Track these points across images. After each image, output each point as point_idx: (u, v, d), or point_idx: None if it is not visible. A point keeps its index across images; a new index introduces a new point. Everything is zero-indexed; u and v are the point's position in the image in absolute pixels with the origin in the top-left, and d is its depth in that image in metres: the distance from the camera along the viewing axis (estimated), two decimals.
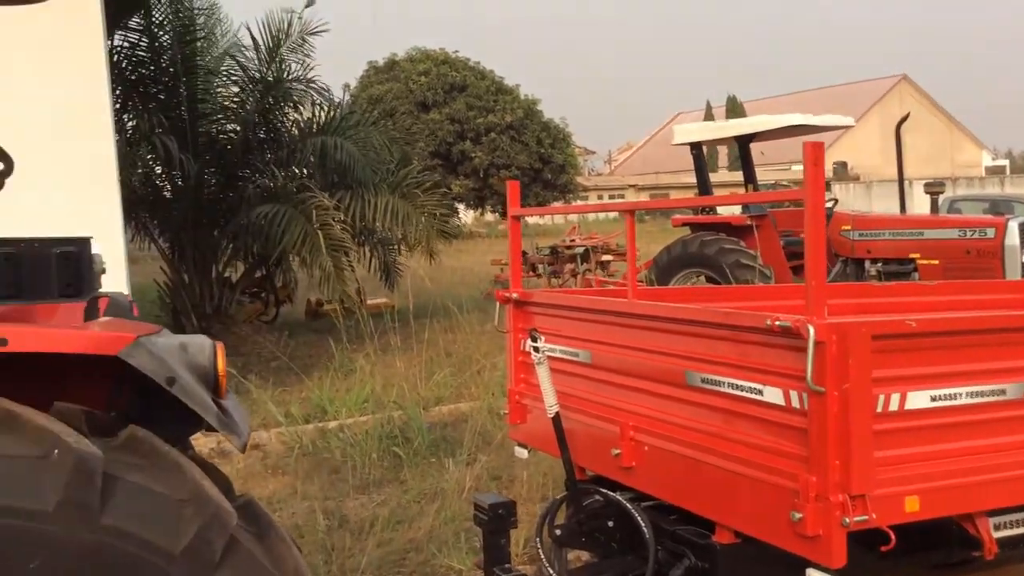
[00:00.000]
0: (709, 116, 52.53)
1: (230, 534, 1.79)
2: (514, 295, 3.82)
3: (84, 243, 2.09)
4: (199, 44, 12.14)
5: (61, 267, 2.04)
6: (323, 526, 5.03)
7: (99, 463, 1.66)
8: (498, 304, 3.91)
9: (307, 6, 12.28)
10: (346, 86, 32.85)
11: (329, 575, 4.48)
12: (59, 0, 2.60)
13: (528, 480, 5.30)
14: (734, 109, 55.63)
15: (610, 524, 3.23)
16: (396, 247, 13.59)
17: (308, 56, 12.36)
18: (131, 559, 1.69)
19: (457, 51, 37.67)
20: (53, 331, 1.82)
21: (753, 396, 2.64)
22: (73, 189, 6.21)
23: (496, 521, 3.44)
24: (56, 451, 1.65)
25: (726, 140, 12.31)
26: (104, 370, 1.97)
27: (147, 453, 1.80)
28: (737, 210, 10.21)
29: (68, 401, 1.85)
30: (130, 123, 11.77)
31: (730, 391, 2.73)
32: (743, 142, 10.86)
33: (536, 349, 3.14)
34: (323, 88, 12.57)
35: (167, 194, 12.41)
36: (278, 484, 6.01)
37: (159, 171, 12.27)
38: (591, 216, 33.77)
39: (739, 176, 11.82)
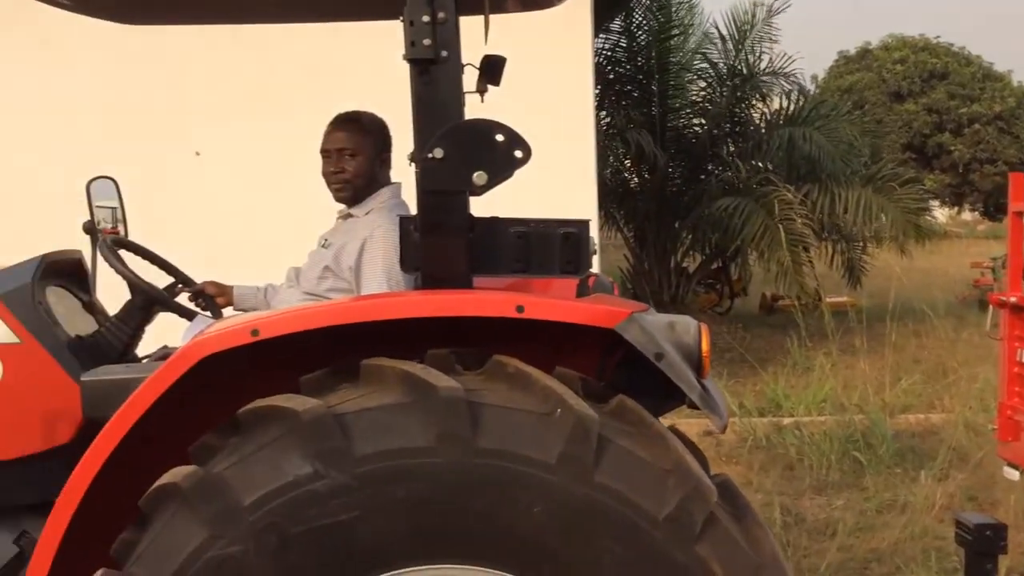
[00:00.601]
0: None
1: (710, 510, 1.83)
2: (1011, 299, 3.44)
3: (584, 225, 2.26)
4: (673, 41, 12.55)
5: (564, 246, 2.23)
6: (779, 521, 4.97)
7: (595, 424, 1.79)
8: (991, 309, 3.55)
9: None
10: (814, 77, 31.88)
11: None
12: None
13: (1015, 504, 4.76)
14: None
15: None
16: (862, 244, 12.94)
17: (774, 44, 12.21)
18: (619, 517, 1.79)
19: (939, 37, 34.78)
20: (561, 303, 1.99)
21: None
22: (556, 181, 6.76)
23: (982, 543, 3.13)
24: (559, 409, 1.80)
25: None
26: (595, 341, 2.12)
27: (635, 422, 1.90)
28: None
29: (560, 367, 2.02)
30: (605, 120, 12.53)
31: None
32: None
33: None
34: (793, 78, 12.34)
35: (634, 187, 13.05)
36: (731, 473, 6.02)
37: (627, 165, 12.94)
38: None
39: None
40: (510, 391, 1.87)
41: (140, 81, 7.03)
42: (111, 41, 5.77)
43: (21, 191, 6.73)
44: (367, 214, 3.01)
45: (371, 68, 6.41)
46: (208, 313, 2.98)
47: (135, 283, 2.68)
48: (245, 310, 3.05)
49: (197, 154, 7.21)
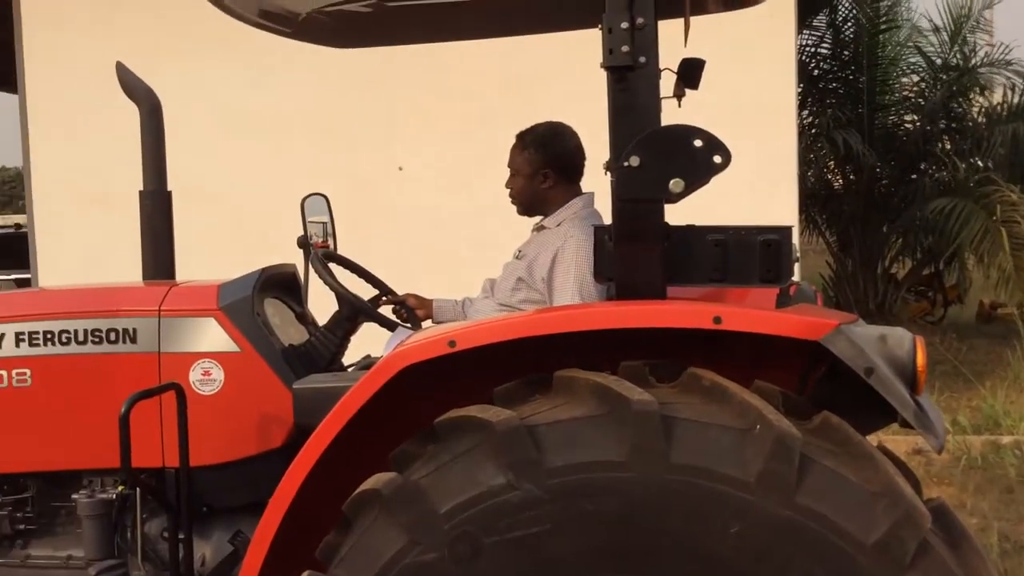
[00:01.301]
0: None
1: (923, 536, 1.70)
2: None
3: (786, 231, 2.17)
4: (882, 36, 11.92)
5: (764, 253, 2.14)
6: (997, 549, 4.59)
7: (797, 443, 1.71)
8: None
9: None
10: None
11: None
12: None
13: None
14: None
15: None
16: None
17: (991, 33, 11.34)
18: (821, 541, 1.70)
19: None
20: (761, 313, 1.92)
21: None
22: (755, 185, 6.56)
23: None
24: (759, 426, 1.73)
25: None
26: (795, 354, 2.03)
27: (840, 440, 1.80)
28: None
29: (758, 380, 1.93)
30: (807, 119, 12.05)
31: None
32: None
33: None
34: (1017, 67, 11.41)
35: (838, 188, 12.47)
36: (943, 495, 5.62)
37: (831, 166, 12.38)
38: None
39: None
40: (706, 405, 1.82)
41: (346, 100, 7.38)
42: (319, 62, 6.09)
43: (240, 207, 7.22)
44: (558, 225, 3.03)
45: (568, 77, 6.48)
46: (408, 325, 3.09)
47: (342, 295, 2.80)
48: (443, 322, 3.14)
49: (400, 169, 7.48)
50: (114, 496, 2.66)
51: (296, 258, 3.26)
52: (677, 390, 1.88)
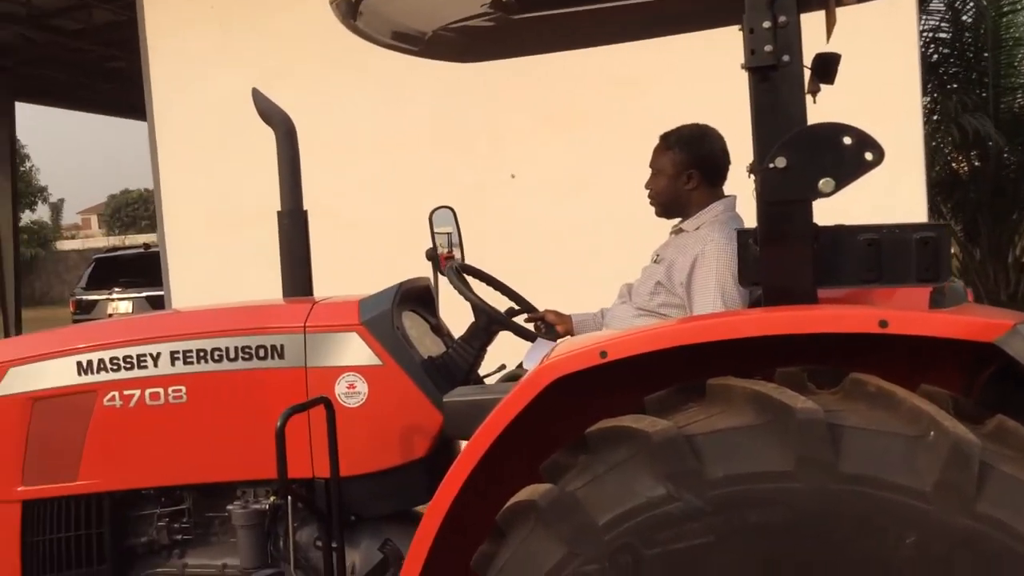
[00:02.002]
0: None
1: None
2: None
3: (942, 229, 2.09)
4: (1006, 18, 11.38)
5: (920, 252, 2.06)
6: None
7: (976, 449, 1.63)
8: None
9: None
10: None
11: None
12: None
13: None
14: None
15: None
16: None
17: None
18: (1004, 551, 1.62)
19: None
20: (930, 315, 1.84)
21: None
22: (880, 176, 6.33)
23: None
24: (932, 432, 1.66)
25: None
26: (959, 356, 1.94)
27: (1018, 446, 1.71)
28: None
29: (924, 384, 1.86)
30: (928, 105, 11.58)
31: None
32: None
33: None
34: None
35: (963, 176, 11.95)
36: None
37: (953, 152, 11.88)
38: None
39: None
40: (873, 411, 1.75)
41: (459, 112, 7.46)
42: (435, 76, 6.18)
43: (366, 223, 7.37)
44: (697, 229, 2.98)
45: (681, 77, 6.40)
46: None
47: (480, 306, 2.83)
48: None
49: (512, 176, 7.51)
50: (267, 506, 2.74)
51: (423, 270, 3.31)
52: (840, 396, 1.82)
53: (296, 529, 2.76)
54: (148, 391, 2.78)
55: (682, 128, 3.11)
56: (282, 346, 2.75)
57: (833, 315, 1.86)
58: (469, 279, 3.11)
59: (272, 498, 2.78)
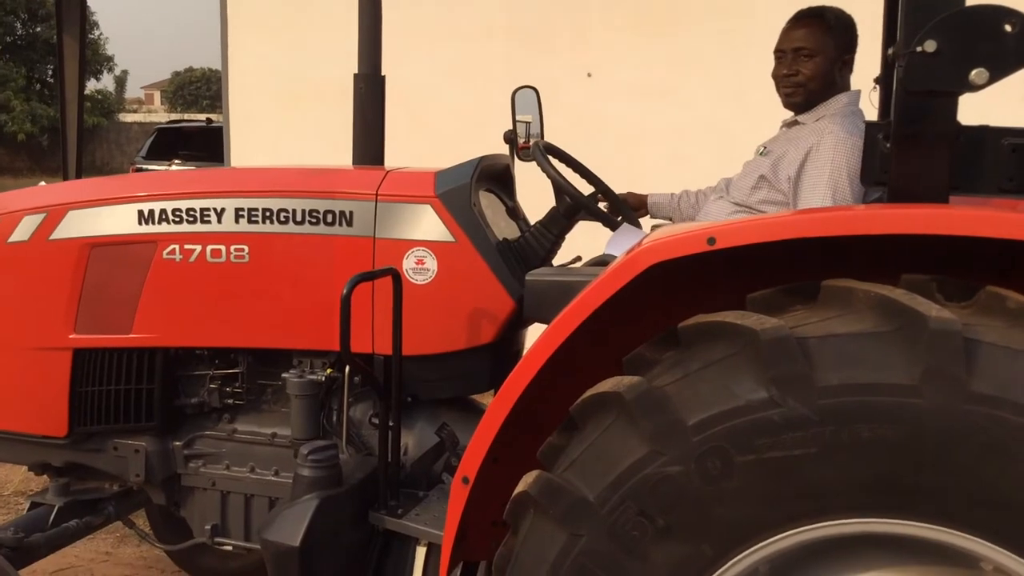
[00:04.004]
0: None
1: None
2: None
3: None
4: None
5: None
6: None
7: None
8: None
9: None
10: None
11: None
12: None
13: None
14: None
15: None
16: None
17: None
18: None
19: None
20: None
21: None
22: None
23: None
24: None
25: None
26: None
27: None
28: None
29: None
30: None
31: None
32: None
33: None
34: None
35: None
36: None
37: None
38: None
39: None
40: (1012, 330, 1.56)
41: (538, 5, 7.17)
42: None
43: (434, 111, 7.18)
44: (817, 121, 2.73)
45: None
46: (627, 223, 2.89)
47: (565, 188, 2.64)
48: (660, 218, 2.95)
49: (588, 75, 7.24)
50: (323, 378, 2.64)
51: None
52: (973, 310, 1.62)
53: (350, 404, 2.66)
54: (209, 247, 2.66)
55: (830, 8, 2.82)
56: (351, 213, 2.60)
57: (995, 218, 1.63)
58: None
59: (328, 370, 2.67)
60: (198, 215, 2.66)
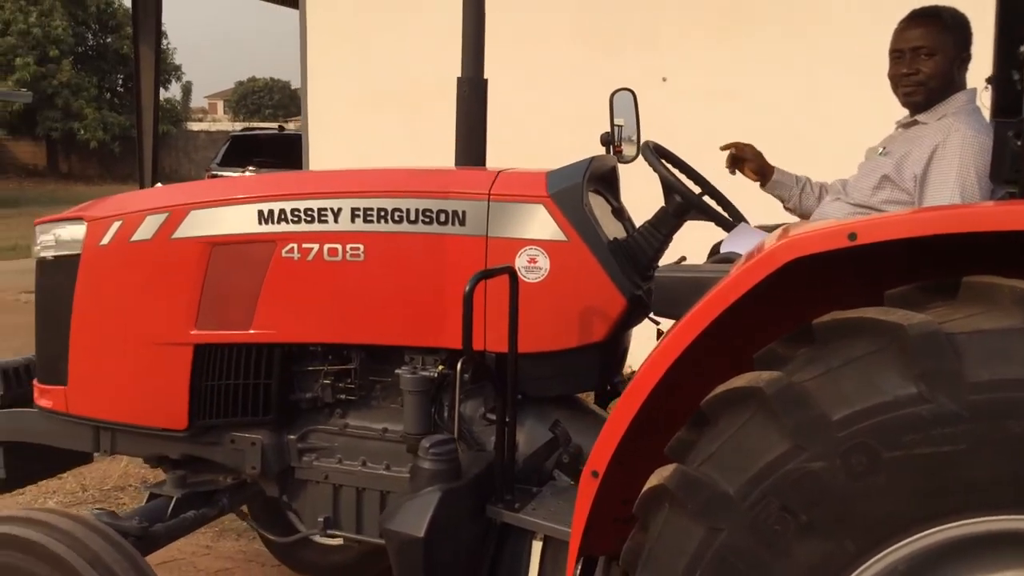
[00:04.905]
0: None
1: None
2: None
3: None
4: None
5: None
6: None
7: None
8: None
9: None
10: None
11: None
12: None
13: None
14: None
15: None
16: None
17: None
18: None
19: None
20: None
21: None
22: None
23: None
24: None
25: None
26: None
27: None
28: None
29: None
30: None
31: None
32: None
33: None
34: None
35: None
36: None
37: None
38: None
39: None
40: None
41: (614, 8, 7.19)
42: None
43: (510, 115, 7.22)
44: (939, 120, 2.72)
45: None
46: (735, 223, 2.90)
47: (677, 188, 2.66)
48: (773, 194, 3.04)
49: (663, 80, 7.23)
50: (435, 374, 2.68)
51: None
52: None
53: (461, 400, 2.71)
54: (327, 246, 2.73)
55: (945, 7, 2.82)
56: (464, 212, 2.65)
57: None
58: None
59: (440, 367, 2.72)
60: (316, 215, 2.74)
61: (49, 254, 3.03)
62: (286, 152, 14.09)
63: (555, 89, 7.04)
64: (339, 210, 2.72)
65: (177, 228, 2.83)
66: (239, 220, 2.79)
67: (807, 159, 6.44)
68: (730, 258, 2.34)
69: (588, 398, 3.04)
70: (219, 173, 13.89)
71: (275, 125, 16.89)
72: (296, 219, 2.74)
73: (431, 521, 2.34)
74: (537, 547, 2.46)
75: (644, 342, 2.98)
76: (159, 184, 4.14)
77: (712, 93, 6.89)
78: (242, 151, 14.89)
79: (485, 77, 3.22)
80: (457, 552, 2.43)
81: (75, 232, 2.96)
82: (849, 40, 6.41)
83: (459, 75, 3.21)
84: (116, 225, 2.89)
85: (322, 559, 3.85)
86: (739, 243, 2.45)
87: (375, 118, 7.68)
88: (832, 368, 1.71)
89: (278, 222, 2.76)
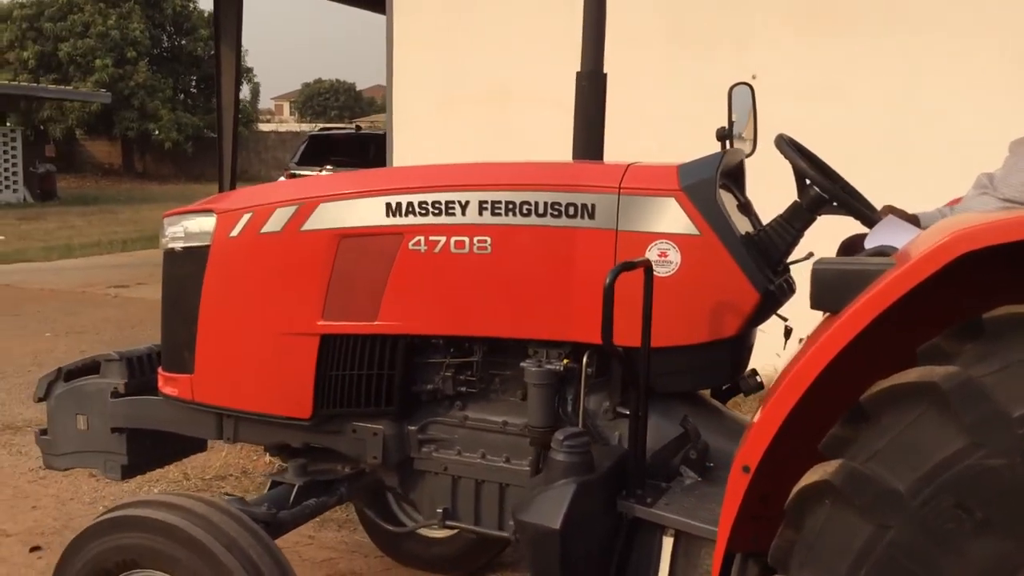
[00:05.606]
0: None
1: None
2: None
3: None
4: None
5: None
6: None
7: None
8: None
9: None
10: None
11: None
12: None
13: None
14: None
15: None
16: None
17: None
18: None
19: None
20: None
21: None
22: None
23: None
24: None
25: None
26: None
27: None
28: None
29: None
30: None
31: None
32: None
33: None
34: None
35: None
36: None
37: None
38: None
39: None
40: None
41: (699, 8, 7.14)
42: None
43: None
44: None
45: None
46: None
47: (817, 180, 2.61)
48: None
49: (753, 77, 7.14)
50: (560, 368, 2.68)
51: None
52: None
53: (586, 394, 2.70)
54: (454, 239, 2.75)
55: None
56: (593, 206, 2.64)
57: None
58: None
59: (565, 360, 2.71)
60: (443, 207, 2.75)
61: (178, 245, 3.10)
62: (362, 151, 14.25)
63: (645, 87, 6.99)
64: (467, 203, 2.73)
65: (307, 220, 2.87)
66: (367, 213, 2.82)
67: (899, 159, 6.31)
68: (885, 251, 2.29)
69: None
70: (298, 172, 14.10)
71: (352, 125, 17.10)
72: (424, 212, 2.76)
73: (567, 513, 2.33)
74: (668, 543, 2.44)
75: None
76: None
77: (802, 91, 6.79)
78: (319, 150, 15.11)
79: (604, 71, 3.22)
80: (589, 545, 2.42)
81: (205, 224, 3.02)
82: (947, 39, 6.28)
83: (578, 70, 3.22)
84: (246, 217, 2.94)
85: (425, 551, 3.88)
86: (888, 236, 2.39)
87: (453, 117, 7.76)
88: (1011, 363, 1.66)
89: (405, 215, 2.78)
